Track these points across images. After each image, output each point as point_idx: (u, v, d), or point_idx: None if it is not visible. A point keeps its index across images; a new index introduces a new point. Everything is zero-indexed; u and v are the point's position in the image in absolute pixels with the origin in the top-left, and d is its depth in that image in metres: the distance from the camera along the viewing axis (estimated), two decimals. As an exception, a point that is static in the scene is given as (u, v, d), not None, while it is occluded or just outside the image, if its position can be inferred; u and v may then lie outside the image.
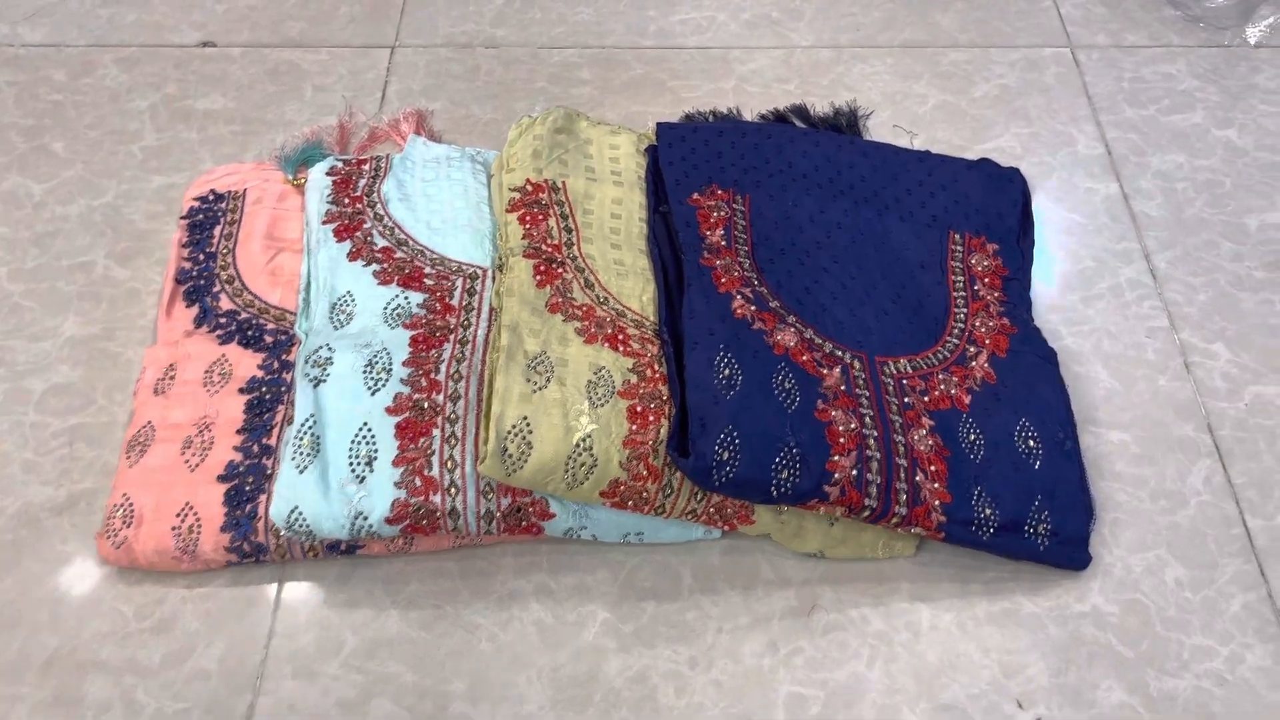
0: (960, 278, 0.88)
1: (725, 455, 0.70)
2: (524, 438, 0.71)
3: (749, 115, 1.05)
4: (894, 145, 0.98)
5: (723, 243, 0.85)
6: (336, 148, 1.01)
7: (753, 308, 0.80)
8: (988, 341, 0.84)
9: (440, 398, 0.76)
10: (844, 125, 1.03)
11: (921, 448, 0.75)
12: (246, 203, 0.94)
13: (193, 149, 1.02)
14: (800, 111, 1.04)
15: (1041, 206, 0.98)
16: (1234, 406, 0.85)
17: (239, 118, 1.05)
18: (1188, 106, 1.06)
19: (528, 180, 0.89)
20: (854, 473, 0.72)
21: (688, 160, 0.92)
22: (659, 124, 0.96)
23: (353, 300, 0.82)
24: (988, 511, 0.74)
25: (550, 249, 0.84)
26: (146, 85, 1.08)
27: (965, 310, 0.86)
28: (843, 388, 0.77)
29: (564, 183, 0.89)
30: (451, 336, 0.80)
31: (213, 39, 1.13)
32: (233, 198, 0.94)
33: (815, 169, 0.93)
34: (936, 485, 0.74)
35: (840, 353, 0.80)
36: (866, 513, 0.73)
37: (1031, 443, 0.78)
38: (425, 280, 0.84)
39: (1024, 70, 1.10)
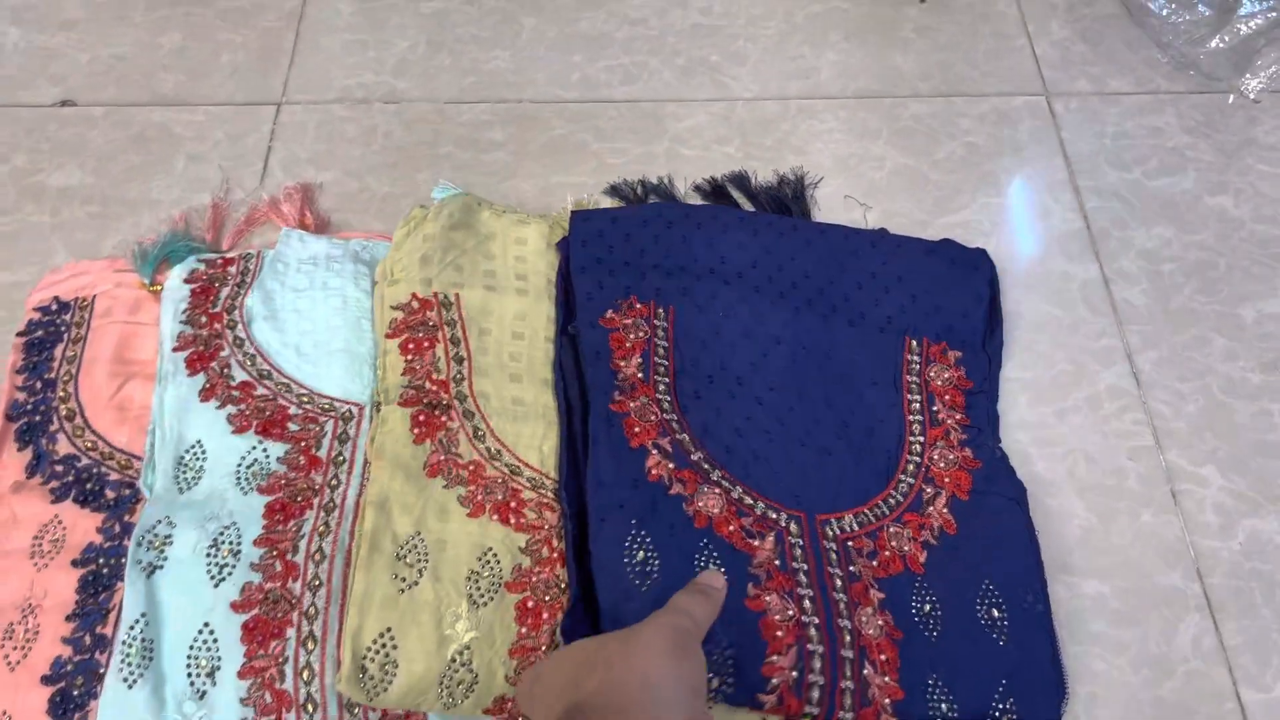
0: (917, 396, 0.77)
1: None
2: (387, 654, 0.60)
3: (682, 185, 0.92)
4: (844, 227, 0.86)
5: (639, 375, 0.73)
6: (208, 235, 0.88)
7: (670, 465, 0.68)
8: (947, 480, 0.73)
9: (297, 586, 0.64)
10: (789, 196, 0.90)
11: (870, 631, 0.65)
12: (94, 314, 0.81)
13: (44, 235, 0.89)
14: (740, 181, 0.92)
15: (1012, 296, 0.86)
16: (1227, 546, 0.74)
17: (98, 196, 0.92)
18: (1177, 168, 0.94)
19: (414, 295, 0.76)
20: (794, 674, 0.61)
21: (604, 263, 0.80)
22: (573, 214, 0.83)
23: (203, 453, 0.70)
24: (944, 707, 0.64)
25: (434, 388, 0.72)
26: (-6, 155, 0.94)
27: (922, 440, 0.75)
28: (777, 563, 0.65)
29: (458, 295, 0.77)
30: (316, 501, 0.68)
31: (73, 96, 0.99)
32: (79, 307, 0.81)
33: (752, 266, 0.81)
34: (887, 679, 0.63)
35: (775, 514, 0.68)
36: (811, 712, 0.62)
37: (996, 613, 0.68)
38: (289, 425, 0.71)
39: (994, 124, 0.97)
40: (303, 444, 0.70)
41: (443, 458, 0.68)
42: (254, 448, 0.70)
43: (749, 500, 0.68)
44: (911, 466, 0.73)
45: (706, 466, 0.69)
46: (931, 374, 0.78)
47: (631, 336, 0.75)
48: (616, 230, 0.81)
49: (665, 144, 0.96)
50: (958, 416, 0.76)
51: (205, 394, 0.73)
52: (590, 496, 0.66)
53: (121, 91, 0.99)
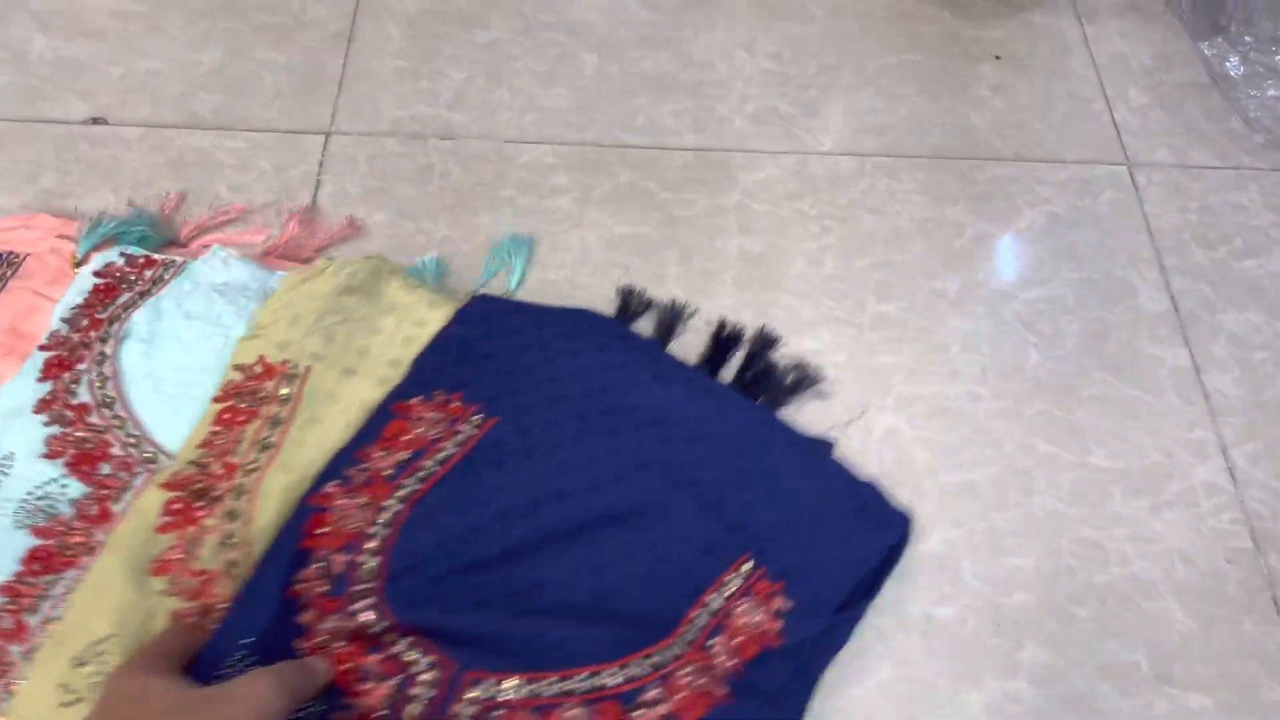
0: (704, 619, 0.64)
1: None
2: None
3: (704, 326, 0.85)
4: (769, 420, 0.74)
5: (387, 472, 0.66)
6: (181, 231, 0.82)
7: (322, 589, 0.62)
8: (680, 696, 0.60)
9: (17, 650, 0.58)
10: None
11: None
12: (16, 275, 0.75)
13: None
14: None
15: (1099, 379, 0.82)
16: (1333, 661, 0.71)
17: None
18: (1264, 249, 0.91)
19: (261, 357, 0.70)
20: None
21: (464, 348, 0.73)
22: (475, 298, 0.77)
23: (9, 467, 0.64)
24: None
25: (221, 472, 0.64)
26: (17, 175, 0.87)
27: (677, 653, 0.62)
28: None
29: (309, 370, 0.70)
30: (85, 561, 0.61)
31: (104, 114, 0.92)
32: (7, 262, 0.76)
33: (631, 408, 0.71)
34: None
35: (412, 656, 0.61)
36: None
37: None
38: (101, 466, 0.65)
39: (1075, 194, 0.94)
40: (102, 494, 0.64)
41: (181, 557, 0.60)
42: (53, 480, 0.64)
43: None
44: (648, 664, 0.61)
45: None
46: (739, 609, 0.64)
47: (416, 431, 0.68)
48: (508, 322, 0.75)
49: (735, 197, 0.91)
50: (733, 663, 0.62)
51: (41, 405, 0.67)
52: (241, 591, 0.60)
53: (156, 112, 0.93)
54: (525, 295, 0.82)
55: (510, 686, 0.58)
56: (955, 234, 0.90)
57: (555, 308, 0.78)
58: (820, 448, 0.74)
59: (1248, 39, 1.01)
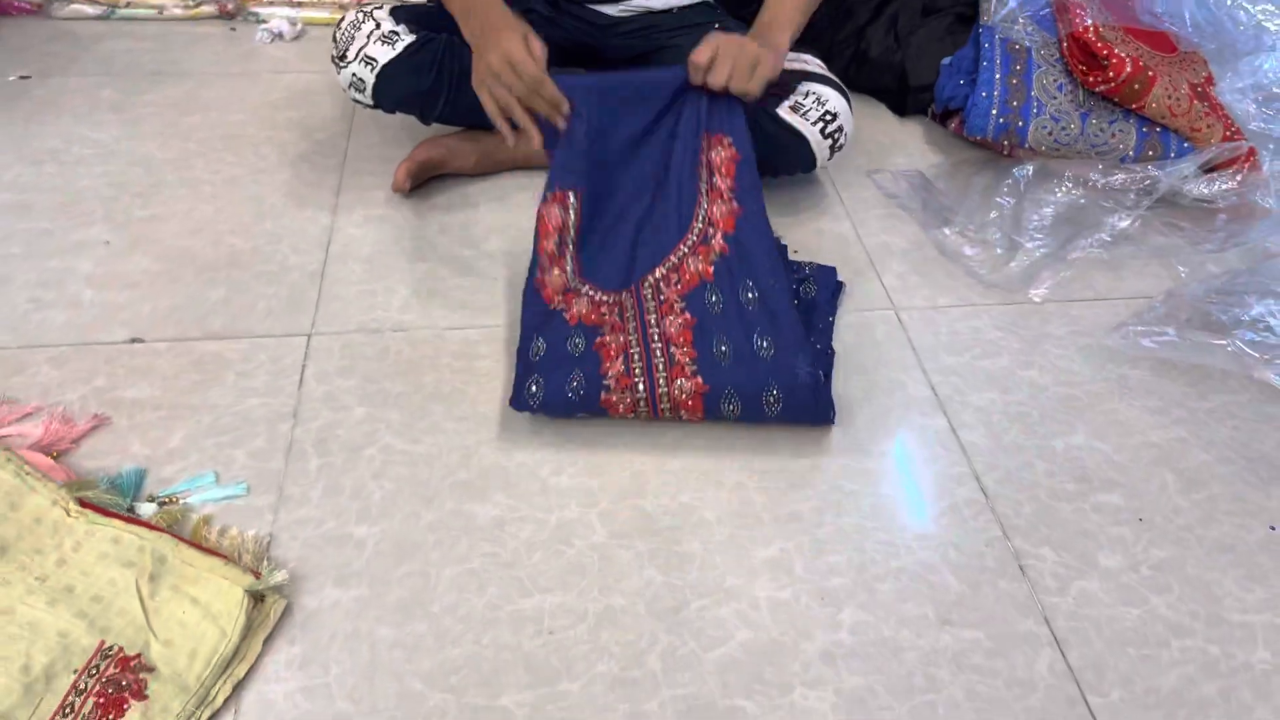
0: (705, 172, 1.22)
1: (534, 389, 1.10)
2: None
3: None
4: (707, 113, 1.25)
5: (555, 251, 1.18)
6: None
7: (560, 296, 1.17)
8: (721, 222, 1.19)
9: None
10: None
11: (672, 330, 1.13)
12: None
13: (122, 434, 1.11)
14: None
15: (882, 444, 1.14)
16: (1064, 601, 0.99)
17: (165, 404, 1.15)
18: (994, 354, 1.27)
19: None
20: (621, 368, 1.10)
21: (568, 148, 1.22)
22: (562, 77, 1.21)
23: None
24: (723, 349, 1.11)
25: None
26: (76, 380, 1.17)
27: (706, 200, 1.21)
28: (616, 318, 1.15)
29: None
30: None
31: (141, 335, 1.24)
32: None
33: (643, 132, 1.26)
34: (685, 347, 1.11)
35: (613, 297, 1.17)
36: (640, 392, 1.09)
37: (751, 295, 1.15)
38: None
39: (857, 332, 1.30)
40: None
41: None
42: None
43: (601, 297, 1.17)
44: (700, 216, 1.21)
45: (581, 286, 1.18)
46: (713, 155, 1.22)
47: (553, 221, 1.19)
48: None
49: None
50: (729, 182, 1.21)
51: None
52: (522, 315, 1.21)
53: (181, 330, 1.25)
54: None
55: (659, 273, 1.19)
56: (774, 361, 1.24)
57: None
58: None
59: (970, 227, 1.44)
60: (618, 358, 1.11)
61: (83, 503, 0.99)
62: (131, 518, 0.99)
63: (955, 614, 0.97)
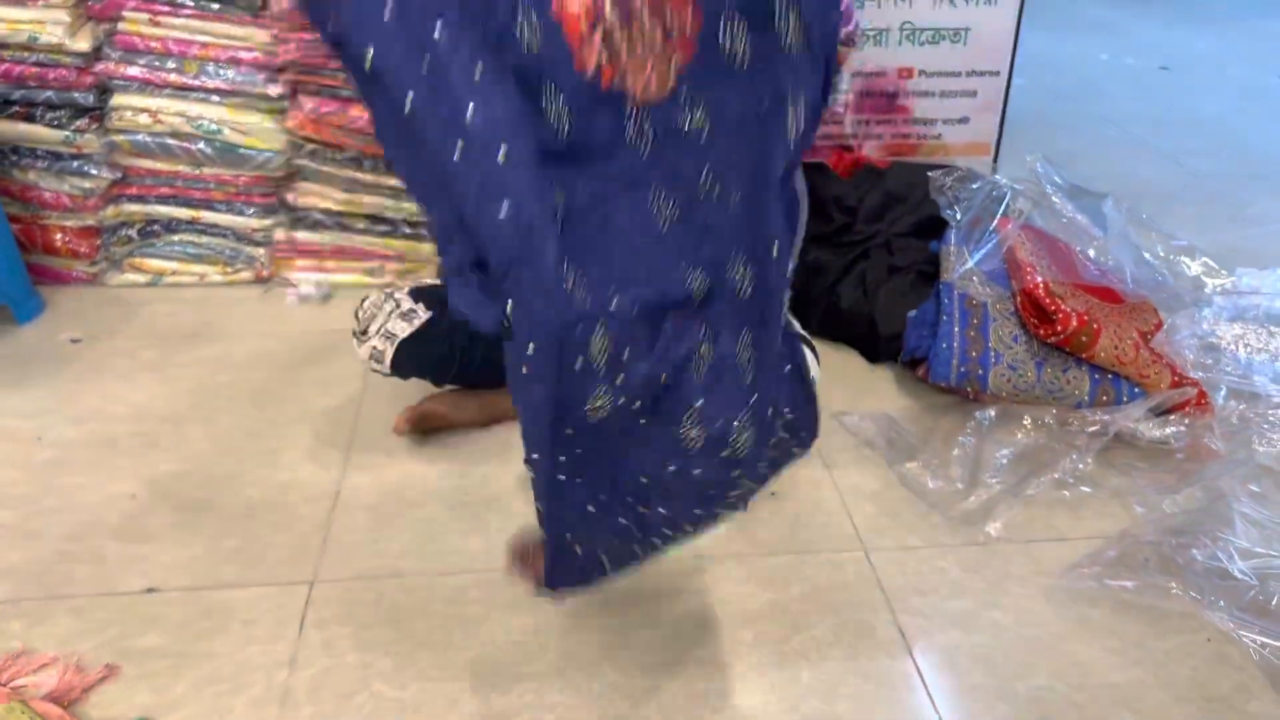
0: None
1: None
2: None
3: None
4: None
5: None
6: None
7: None
8: None
9: None
10: None
11: None
12: None
13: (130, 683, 1.18)
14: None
15: (852, 686, 1.19)
16: None
17: (174, 652, 1.22)
18: (961, 594, 1.33)
19: None
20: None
21: None
22: None
23: None
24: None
25: None
26: (93, 629, 1.26)
27: None
28: None
29: None
30: None
31: (157, 585, 1.33)
32: None
33: None
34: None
35: None
36: None
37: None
38: None
39: (829, 571, 1.37)
40: None
41: None
42: None
43: None
44: None
45: None
46: None
47: None
48: None
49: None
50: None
51: None
52: None
53: (194, 579, 1.34)
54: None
55: None
56: (749, 600, 1.31)
57: None
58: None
59: (934, 462, 1.53)
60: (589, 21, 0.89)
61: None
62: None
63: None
